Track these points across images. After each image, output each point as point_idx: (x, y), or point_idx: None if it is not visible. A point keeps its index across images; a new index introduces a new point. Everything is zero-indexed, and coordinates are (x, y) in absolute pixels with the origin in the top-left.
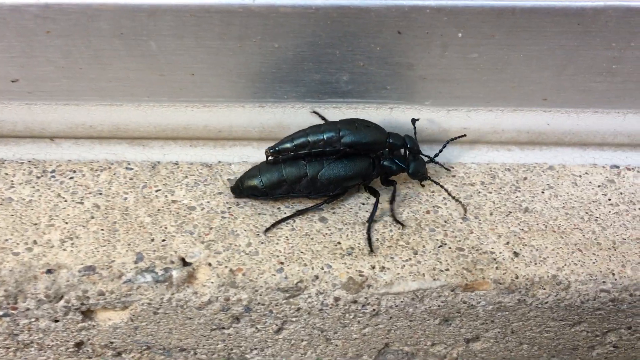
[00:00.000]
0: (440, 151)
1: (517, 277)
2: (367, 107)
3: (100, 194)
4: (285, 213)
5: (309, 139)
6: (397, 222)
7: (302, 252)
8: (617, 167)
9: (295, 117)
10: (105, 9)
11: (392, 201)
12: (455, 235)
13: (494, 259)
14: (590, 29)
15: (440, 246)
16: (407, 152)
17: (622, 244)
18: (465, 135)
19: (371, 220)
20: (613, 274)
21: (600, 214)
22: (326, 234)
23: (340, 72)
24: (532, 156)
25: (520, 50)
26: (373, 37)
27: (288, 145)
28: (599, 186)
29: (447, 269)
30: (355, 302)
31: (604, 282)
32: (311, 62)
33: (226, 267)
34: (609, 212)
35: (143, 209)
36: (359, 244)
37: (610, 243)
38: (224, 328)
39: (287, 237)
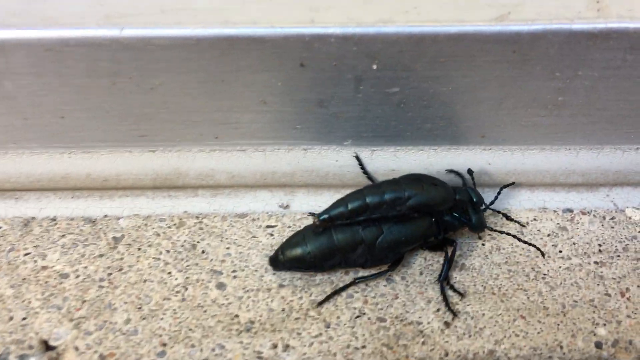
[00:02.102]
0: (496, 198)
1: (446, 354)
2: (278, 149)
3: None
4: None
5: (368, 201)
6: (456, 290)
7: (190, 330)
8: (571, 210)
9: (193, 162)
10: None
11: (450, 264)
12: (376, 301)
13: (421, 332)
14: (528, 57)
15: (358, 316)
16: (471, 206)
17: (574, 307)
18: (513, 183)
19: (443, 279)
20: (561, 347)
21: (549, 270)
22: (222, 304)
23: (240, 111)
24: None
25: (448, 83)
26: (273, 71)
27: (342, 209)
28: (548, 235)
29: (364, 346)
30: None
31: (550, 357)
32: (203, 100)
33: (96, 351)
34: (559, 267)
35: (6, 278)
36: (261, 316)
37: (559, 307)
38: None
39: (174, 310)
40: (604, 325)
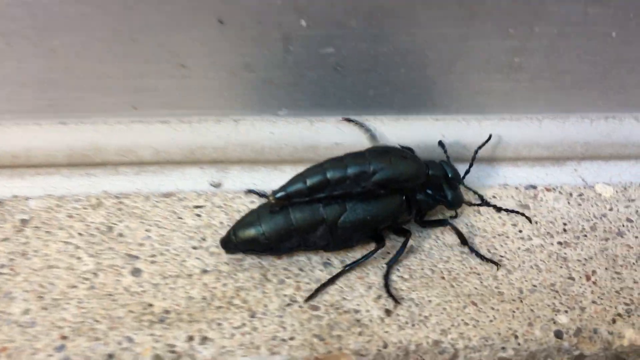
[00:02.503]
0: (471, 166)
1: (385, 346)
2: (205, 120)
3: None
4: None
5: (329, 176)
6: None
7: (96, 321)
8: (534, 187)
9: (112, 135)
10: None
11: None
12: (310, 288)
13: (358, 321)
14: (477, 12)
15: (288, 304)
16: (445, 182)
17: (532, 292)
18: (490, 137)
19: (393, 263)
20: (516, 337)
21: (506, 252)
22: (136, 292)
23: (156, 77)
24: None
25: (388, 43)
26: (188, 29)
27: (300, 186)
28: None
29: (292, 338)
30: None
31: (503, 347)
32: (112, 63)
33: None
34: (519, 248)
35: None
36: (178, 305)
37: (516, 292)
38: None
39: (80, 299)
40: (566, 312)
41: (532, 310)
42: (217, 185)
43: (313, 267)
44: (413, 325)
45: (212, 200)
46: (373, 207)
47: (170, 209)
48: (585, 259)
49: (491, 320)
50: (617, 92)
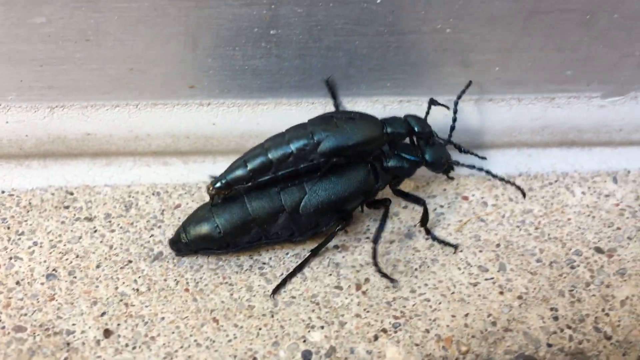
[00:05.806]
0: (453, 128)
1: None
2: None
3: None
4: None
5: (271, 156)
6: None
7: None
8: None
9: None
10: None
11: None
12: (22, 304)
13: (68, 344)
14: None
15: None
16: (416, 138)
17: (288, 305)
18: (470, 83)
19: (378, 239)
20: (255, 359)
21: (271, 258)
22: None
23: None
24: (200, 171)
25: (105, 8)
26: None
27: (241, 172)
28: None
29: None
30: None
31: None
32: None
33: None
34: (287, 254)
35: None
36: None
37: (270, 305)
38: None
39: None
40: (322, 327)
41: (282, 326)
42: None
43: (33, 280)
44: (134, 348)
45: None
46: (336, 184)
47: None
48: (361, 265)
49: (230, 340)
50: (407, 72)
